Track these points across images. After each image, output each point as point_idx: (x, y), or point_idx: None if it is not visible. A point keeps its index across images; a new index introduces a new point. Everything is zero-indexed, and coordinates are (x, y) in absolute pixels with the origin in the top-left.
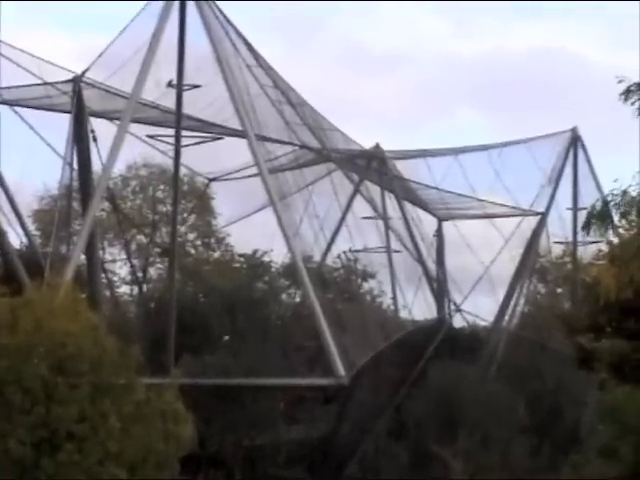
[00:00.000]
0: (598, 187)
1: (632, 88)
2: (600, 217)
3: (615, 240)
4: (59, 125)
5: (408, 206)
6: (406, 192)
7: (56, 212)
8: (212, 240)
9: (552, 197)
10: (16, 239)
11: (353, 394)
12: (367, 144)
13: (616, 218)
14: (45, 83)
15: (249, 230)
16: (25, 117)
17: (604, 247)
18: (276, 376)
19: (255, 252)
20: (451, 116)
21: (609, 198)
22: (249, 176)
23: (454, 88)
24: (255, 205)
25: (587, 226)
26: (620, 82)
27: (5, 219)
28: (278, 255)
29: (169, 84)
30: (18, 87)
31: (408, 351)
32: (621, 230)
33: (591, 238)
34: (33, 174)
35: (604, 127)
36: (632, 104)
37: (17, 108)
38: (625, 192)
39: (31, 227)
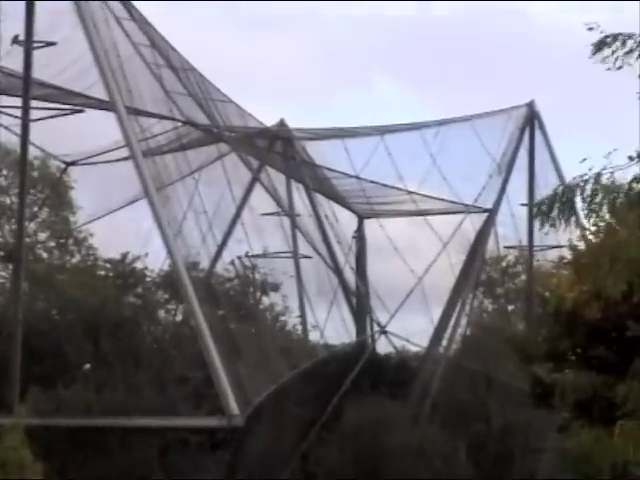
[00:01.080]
0: (560, 177)
1: (608, 40)
2: (562, 206)
3: (581, 245)
4: None
5: (321, 200)
6: (318, 182)
7: None
8: (70, 241)
9: (502, 190)
10: None
11: (249, 439)
12: (269, 120)
13: (583, 214)
14: None
15: (117, 229)
16: None
17: (567, 253)
18: (151, 415)
19: (125, 257)
20: (368, 87)
21: (575, 183)
22: (118, 160)
23: (372, 54)
24: (125, 197)
25: (543, 218)
26: (590, 30)
27: None
28: (154, 261)
29: (14, 40)
30: None
31: (319, 384)
32: (589, 228)
33: (551, 242)
34: None
35: (562, 99)
36: (605, 60)
37: None
38: (599, 175)
39: None
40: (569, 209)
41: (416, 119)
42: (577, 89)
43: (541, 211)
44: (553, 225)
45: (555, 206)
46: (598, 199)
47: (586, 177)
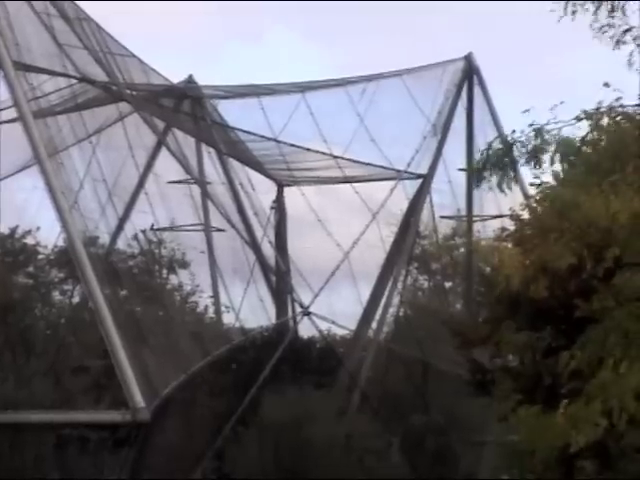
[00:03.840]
0: (502, 139)
1: None
2: (499, 162)
3: (524, 214)
4: None
5: (235, 165)
6: (232, 145)
7: None
8: None
9: (438, 153)
10: None
11: (156, 435)
12: (175, 77)
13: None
14: None
15: (5, 200)
16: None
17: (510, 224)
18: (44, 409)
19: (13, 231)
20: (257, 40)
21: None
22: (4, 122)
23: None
24: (13, 164)
25: (480, 175)
26: None
27: None
28: (47, 236)
29: None
30: None
31: (235, 373)
32: (532, 190)
33: (493, 211)
34: None
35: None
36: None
37: None
38: (539, 130)
39: None
40: (508, 167)
41: (311, 77)
42: (517, 39)
43: (477, 167)
44: (490, 187)
45: (491, 163)
46: (547, 154)
47: (528, 132)
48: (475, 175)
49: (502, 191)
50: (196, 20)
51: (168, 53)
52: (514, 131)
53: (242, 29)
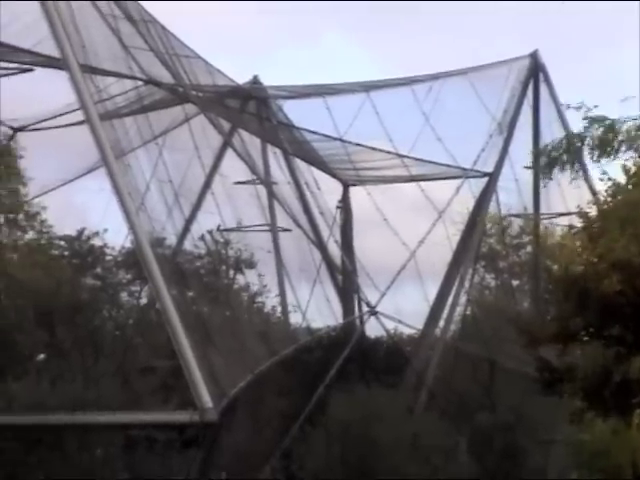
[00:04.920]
0: (569, 135)
1: None
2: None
3: (592, 211)
4: None
5: (301, 165)
6: (298, 146)
7: None
8: (20, 216)
9: (504, 151)
10: None
11: (223, 435)
12: (240, 78)
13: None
14: None
15: (73, 202)
16: None
17: (577, 221)
18: (113, 410)
19: (81, 233)
20: (314, 41)
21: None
22: (71, 124)
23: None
24: (81, 166)
25: (549, 168)
26: None
27: None
28: (115, 237)
29: None
30: None
31: (302, 372)
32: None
33: (560, 209)
34: None
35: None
36: None
37: None
38: (610, 126)
39: None
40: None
41: (364, 78)
42: (582, 36)
43: (549, 158)
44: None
45: (559, 160)
46: (617, 149)
47: (596, 127)
48: (542, 172)
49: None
50: (252, 21)
51: (224, 54)
52: (585, 127)
53: (298, 30)
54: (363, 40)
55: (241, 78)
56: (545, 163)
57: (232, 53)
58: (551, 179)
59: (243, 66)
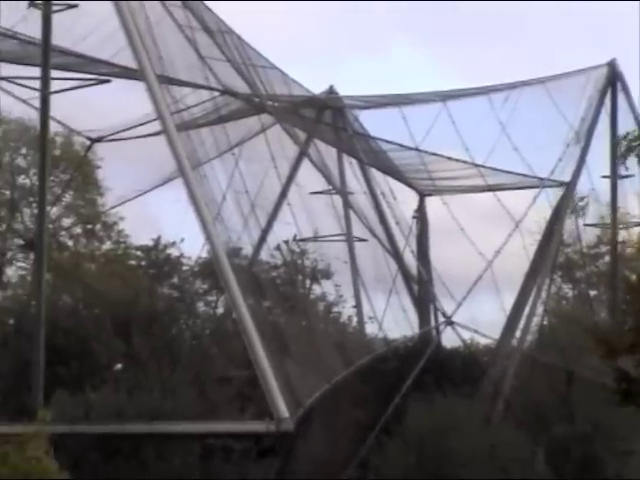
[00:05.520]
0: None
1: None
2: None
3: None
4: None
5: (377, 175)
6: (373, 155)
7: None
8: (97, 226)
9: (581, 160)
10: None
11: (300, 444)
12: (316, 88)
13: None
14: None
15: (150, 212)
16: None
17: None
18: (190, 420)
19: (158, 243)
20: (386, 54)
21: None
22: (149, 135)
23: (388, 15)
24: (158, 176)
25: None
26: None
27: None
28: (191, 247)
29: (32, 3)
30: None
31: (378, 382)
32: None
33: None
34: None
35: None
36: None
37: None
38: None
39: None
40: None
41: (436, 87)
42: None
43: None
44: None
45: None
46: None
47: None
48: (620, 158)
49: None
50: (321, 32)
51: (293, 65)
52: None
53: (368, 40)
54: (433, 49)
55: (311, 88)
56: (625, 149)
57: (301, 63)
58: (627, 168)
59: (313, 76)
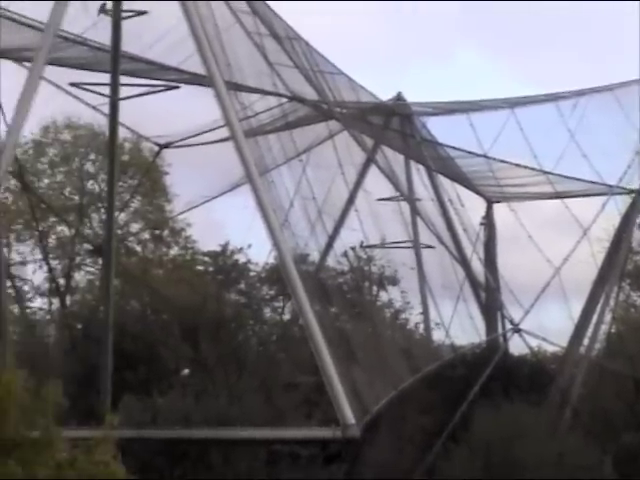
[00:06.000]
0: None
1: None
2: None
3: None
4: None
5: (444, 182)
6: (441, 162)
7: None
8: (165, 232)
9: None
10: None
11: (366, 451)
12: (384, 94)
13: None
14: None
15: (217, 218)
16: None
17: None
18: (256, 426)
19: (225, 249)
20: (449, 60)
21: None
22: (216, 141)
23: (451, 23)
24: (226, 182)
25: None
26: None
27: None
28: (258, 253)
29: (102, 10)
30: None
31: (445, 389)
32: None
33: None
34: None
35: None
36: None
37: None
38: None
39: None
40: None
41: (502, 94)
42: None
43: None
44: None
45: None
46: None
47: None
48: None
49: None
50: (385, 38)
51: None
52: None
53: (433, 47)
54: (498, 55)
55: (378, 94)
56: None
57: (368, 69)
58: None
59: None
